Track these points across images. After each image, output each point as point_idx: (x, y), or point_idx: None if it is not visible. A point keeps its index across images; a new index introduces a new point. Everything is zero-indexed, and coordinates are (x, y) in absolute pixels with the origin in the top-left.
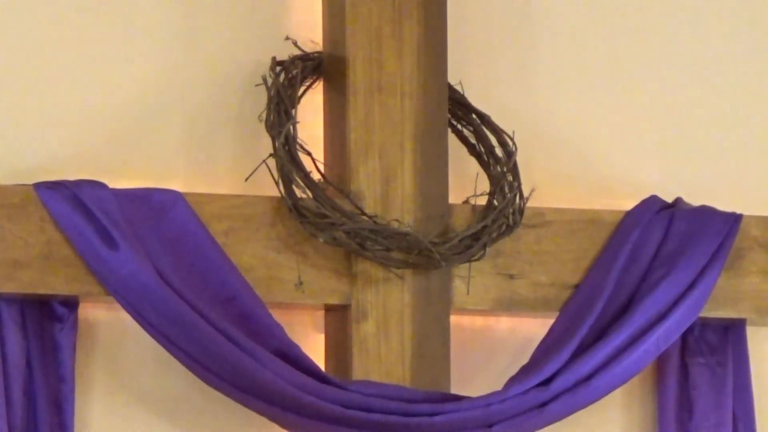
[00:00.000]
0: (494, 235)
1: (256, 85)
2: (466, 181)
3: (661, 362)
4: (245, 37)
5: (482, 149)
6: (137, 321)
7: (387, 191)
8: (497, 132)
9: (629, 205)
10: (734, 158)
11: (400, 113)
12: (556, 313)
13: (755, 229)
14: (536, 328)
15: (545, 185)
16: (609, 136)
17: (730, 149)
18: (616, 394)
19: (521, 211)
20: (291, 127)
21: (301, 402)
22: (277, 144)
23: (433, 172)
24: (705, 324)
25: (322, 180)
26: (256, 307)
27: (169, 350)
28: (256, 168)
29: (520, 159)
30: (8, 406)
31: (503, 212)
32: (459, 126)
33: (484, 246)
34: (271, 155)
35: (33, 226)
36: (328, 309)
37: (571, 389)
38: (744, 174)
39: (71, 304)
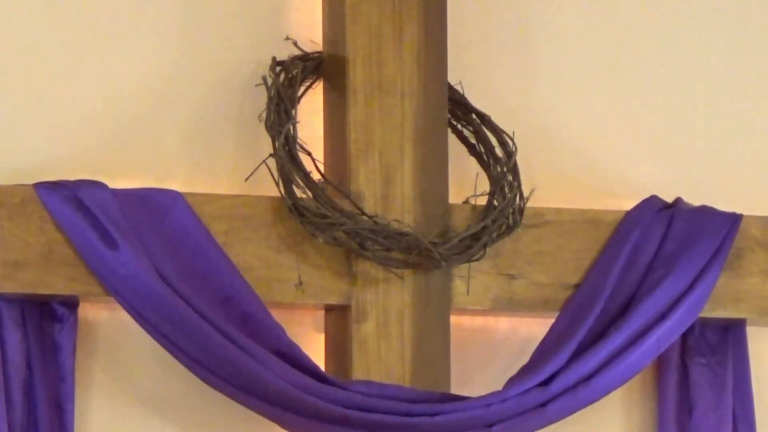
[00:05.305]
0: (494, 235)
1: (256, 85)
2: (466, 181)
3: (661, 362)
4: (245, 37)
5: (482, 149)
6: (137, 321)
7: (387, 191)
8: (497, 132)
9: (629, 205)
10: (734, 158)
11: (400, 113)
12: (556, 313)
13: (755, 229)
14: (536, 328)
15: (545, 185)
16: (609, 136)
17: (730, 149)
18: (616, 394)
19: (521, 211)
20: (291, 127)
21: (301, 402)
22: (277, 144)
23: (433, 172)
24: (705, 324)
25: (322, 180)
26: (256, 307)
27: (169, 350)
28: (256, 168)
29: (520, 159)
30: (8, 406)
31: (503, 212)
32: (459, 126)
33: (484, 246)
34: (271, 155)
35: (33, 226)
36: (328, 309)
37: (571, 389)
38: (744, 174)
39: (71, 304)
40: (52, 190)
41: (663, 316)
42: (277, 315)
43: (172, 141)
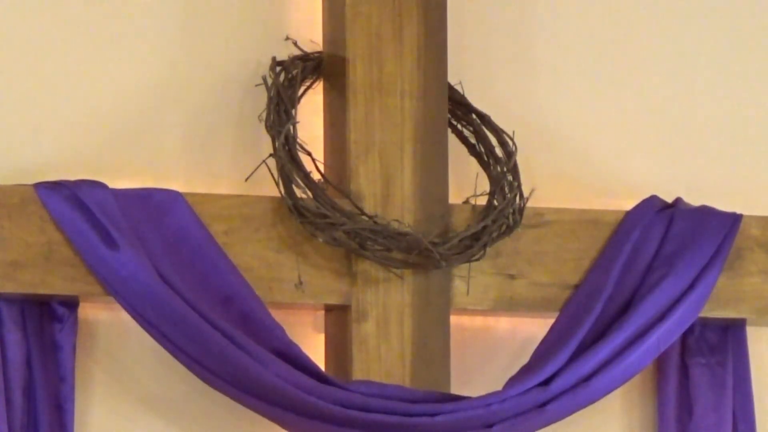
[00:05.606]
0: (494, 235)
1: (256, 85)
2: (466, 181)
3: (661, 362)
4: (245, 37)
5: (482, 149)
6: (137, 321)
7: (387, 191)
8: (497, 132)
9: (629, 205)
10: (734, 158)
11: (400, 113)
12: (556, 313)
13: (755, 229)
14: (536, 328)
15: (545, 185)
16: (609, 136)
17: (730, 149)
18: (616, 394)
19: (521, 211)
20: (291, 127)
21: (301, 402)
22: (277, 144)
23: (433, 172)
24: (705, 324)
25: (322, 180)
26: (256, 307)
27: (169, 350)
28: (256, 168)
29: (520, 159)
30: (8, 406)
31: (503, 212)
32: (459, 126)
33: (484, 246)
34: (271, 155)
35: (33, 226)
36: (328, 309)
37: (571, 389)
38: (744, 174)
39: (71, 304)
40: (52, 190)
41: (663, 316)
42: (277, 315)
43: (172, 141)
